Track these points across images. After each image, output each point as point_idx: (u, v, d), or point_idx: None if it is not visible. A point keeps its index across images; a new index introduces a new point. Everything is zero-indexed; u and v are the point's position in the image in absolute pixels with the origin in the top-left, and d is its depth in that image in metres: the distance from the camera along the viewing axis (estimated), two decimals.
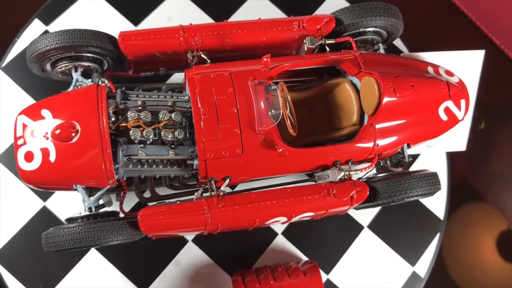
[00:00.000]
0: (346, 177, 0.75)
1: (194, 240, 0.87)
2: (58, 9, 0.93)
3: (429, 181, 0.76)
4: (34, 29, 0.92)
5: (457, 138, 0.96)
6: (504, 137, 1.14)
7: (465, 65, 0.91)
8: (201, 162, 0.71)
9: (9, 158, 0.85)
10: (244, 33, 0.77)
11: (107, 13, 0.94)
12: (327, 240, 0.91)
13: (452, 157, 0.98)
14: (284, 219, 0.75)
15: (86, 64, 0.77)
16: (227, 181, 0.72)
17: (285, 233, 0.90)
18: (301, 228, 0.90)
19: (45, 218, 0.84)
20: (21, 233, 0.83)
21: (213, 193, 0.72)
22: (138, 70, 0.81)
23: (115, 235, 0.68)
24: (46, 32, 0.91)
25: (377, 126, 0.74)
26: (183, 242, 0.86)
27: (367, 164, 0.78)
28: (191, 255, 0.86)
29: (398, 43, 0.98)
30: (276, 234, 0.89)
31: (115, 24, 0.93)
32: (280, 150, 0.71)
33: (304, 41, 0.79)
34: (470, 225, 1.06)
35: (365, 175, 0.82)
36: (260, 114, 0.71)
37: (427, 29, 1.09)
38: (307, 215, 0.75)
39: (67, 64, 0.76)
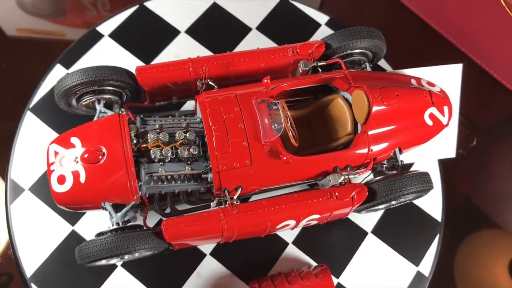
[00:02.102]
0: (346, 180, 0.83)
1: (212, 254, 0.94)
2: (77, 54, 1.05)
3: (421, 179, 0.84)
4: (57, 73, 1.02)
5: (447, 146, 1.04)
6: (491, 148, 1.22)
7: (446, 78, 1.00)
8: (215, 174, 0.79)
9: (39, 189, 0.94)
10: (246, 61, 0.88)
11: (121, 56, 1.05)
12: (335, 246, 0.98)
13: (444, 163, 1.06)
14: (293, 222, 0.82)
15: (108, 96, 0.86)
16: (239, 190, 0.80)
17: (295, 242, 0.96)
18: (310, 237, 0.97)
19: (74, 241, 0.91)
20: (53, 256, 0.90)
21: (227, 202, 0.79)
22: (153, 100, 0.90)
23: (142, 244, 0.76)
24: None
25: (370, 133, 0.83)
26: (202, 255, 0.93)
27: (364, 169, 0.86)
28: (210, 267, 0.93)
29: (382, 63, 1.09)
30: (287, 244, 0.96)
31: (129, 64, 1.03)
32: (285, 158, 0.79)
33: (299, 64, 0.89)
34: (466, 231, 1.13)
35: (363, 180, 0.90)
36: (264, 128, 0.80)
37: (408, 50, 1.20)
38: (314, 217, 0.83)
39: (91, 97, 0.85)
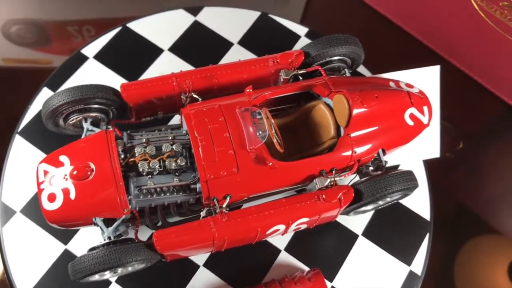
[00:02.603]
0: (332, 183, 0.85)
1: (205, 265, 0.94)
2: (63, 77, 1.06)
3: (406, 177, 0.86)
4: (44, 96, 1.04)
5: (430, 146, 1.07)
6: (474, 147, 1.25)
7: (424, 80, 1.03)
8: (203, 184, 0.80)
9: (30, 210, 0.94)
10: (228, 73, 0.90)
11: (107, 76, 1.07)
12: (327, 251, 0.99)
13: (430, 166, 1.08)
14: (283, 227, 0.84)
15: (94, 114, 0.88)
16: (228, 198, 0.82)
17: (287, 249, 0.97)
18: (302, 242, 0.98)
19: (67, 259, 0.91)
20: (47, 276, 0.90)
21: (217, 211, 0.81)
22: (139, 116, 0.92)
23: (134, 256, 0.76)
24: None
25: (352, 135, 0.85)
26: (195, 267, 0.94)
27: (349, 171, 0.88)
28: (204, 278, 0.93)
29: (362, 69, 1.12)
30: (279, 251, 0.97)
31: (115, 84, 1.05)
32: (270, 164, 0.81)
33: (280, 73, 0.92)
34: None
35: (349, 182, 0.92)
36: (249, 135, 0.81)
37: (387, 56, 1.23)
38: (303, 221, 0.84)
39: (77, 116, 0.87)
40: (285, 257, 0.97)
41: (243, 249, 0.92)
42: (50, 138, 0.96)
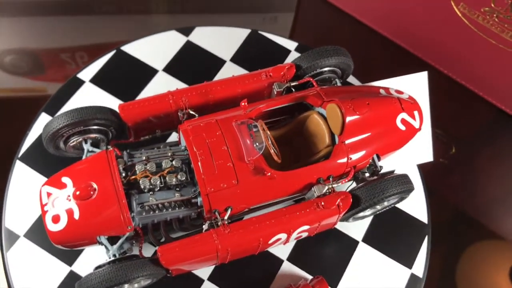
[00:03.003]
0: (330, 190, 0.87)
1: (209, 279, 0.95)
2: (61, 102, 1.08)
3: (401, 180, 0.88)
4: (42, 121, 1.05)
5: (423, 151, 1.09)
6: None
7: (413, 87, 1.06)
8: (204, 197, 0.82)
9: (34, 234, 0.95)
10: (222, 88, 0.92)
11: (104, 99, 1.09)
12: (329, 258, 1.00)
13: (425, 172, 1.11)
14: (284, 236, 0.85)
15: (94, 135, 0.90)
16: (229, 210, 0.83)
17: (290, 259, 0.99)
18: (303, 252, 0.99)
19: (73, 281, 0.91)
20: None
21: (219, 223, 0.82)
22: (138, 135, 0.94)
23: (140, 271, 0.78)
24: None
25: (347, 142, 0.88)
26: (200, 281, 0.95)
27: (346, 177, 0.90)
28: None
29: (352, 79, 1.15)
30: (282, 261, 0.98)
31: (112, 106, 1.06)
32: (269, 174, 0.83)
33: (273, 86, 0.94)
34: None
35: (347, 189, 0.93)
36: (246, 147, 0.83)
37: (376, 67, 1.27)
38: (303, 229, 0.86)
39: (77, 138, 0.89)
40: (288, 267, 0.98)
41: (246, 261, 0.93)
42: (50, 162, 0.97)
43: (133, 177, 0.83)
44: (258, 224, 0.83)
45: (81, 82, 1.11)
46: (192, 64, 1.15)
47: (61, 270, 0.93)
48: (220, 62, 1.17)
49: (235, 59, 1.17)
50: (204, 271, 0.95)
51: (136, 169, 0.83)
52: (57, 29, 1.33)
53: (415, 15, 1.27)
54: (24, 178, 1.00)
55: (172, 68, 1.14)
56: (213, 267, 0.96)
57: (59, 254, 0.94)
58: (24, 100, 1.25)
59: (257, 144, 0.84)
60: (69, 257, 0.94)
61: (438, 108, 1.09)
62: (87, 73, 1.12)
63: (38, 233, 0.95)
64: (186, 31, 1.19)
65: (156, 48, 1.16)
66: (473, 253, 1.12)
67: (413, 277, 1.00)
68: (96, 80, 1.11)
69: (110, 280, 0.76)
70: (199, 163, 0.82)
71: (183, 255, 0.80)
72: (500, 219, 1.17)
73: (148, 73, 1.13)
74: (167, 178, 0.83)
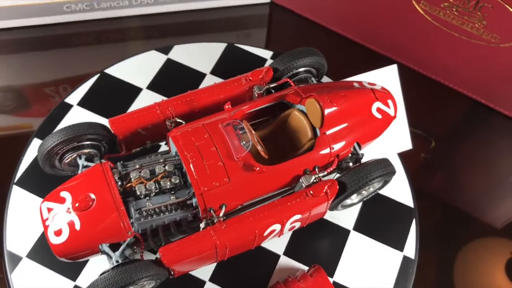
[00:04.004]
0: (317, 179, 0.92)
1: (210, 279, 0.98)
2: (51, 126, 1.12)
3: (383, 163, 0.93)
4: (35, 146, 1.09)
5: (402, 140, 1.15)
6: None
7: (384, 80, 1.12)
8: (198, 197, 0.86)
9: (36, 254, 0.98)
10: (206, 95, 0.97)
11: (92, 120, 1.13)
12: (324, 249, 1.04)
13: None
14: (278, 226, 0.89)
15: (87, 151, 0.94)
16: (223, 208, 0.87)
17: (286, 253, 1.02)
18: (298, 245, 1.03)
19: None
20: None
21: (215, 220, 0.86)
22: (129, 148, 0.98)
23: (144, 272, 0.81)
24: None
25: (328, 133, 0.93)
26: (202, 283, 0.98)
27: (330, 167, 0.94)
28: None
29: (326, 80, 1.21)
30: (279, 256, 1.02)
31: None
32: (257, 168, 0.87)
33: (253, 89, 1.00)
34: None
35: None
36: (234, 146, 0.88)
37: (348, 68, 1.31)
38: (296, 218, 0.90)
39: (72, 154, 0.93)
40: (285, 261, 1.02)
41: (244, 260, 0.97)
42: (46, 183, 0.99)
43: (128, 184, 0.87)
44: (252, 217, 0.87)
45: (69, 106, 1.15)
46: (174, 79, 1.21)
47: (66, 286, 0.96)
48: (200, 76, 1.22)
49: (215, 72, 1.23)
50: (205, 273, 0.99)
51: (131, 176, 0.87)
52: (38, 64, 1.36)
53: (381, 17, 1.34)
54: (21, 201, 1.03)
55: (155, 85, 1.19)
56: (213, 268, 0.99)
57: (62, 270, 0.96)
58: (11, 138, 1.25)
59: (244, 142, 0.89)
60: (73, 272, 0.96)
61: (413, 104, 1.15)
62: (74, 97, 1.16)
63: (40, 253, 0.97)
64: (165, 50, 1.25)
65: (138, 68, 1.21)
66: (467, 255, 1.15)
67: (405, 259, 1.04)
68: (84, 102, 1.16)
69: (115, 283, 0.79)
70: (191, 165, 0.86)
71: (183, 253, 0.83)
72: (490, 212, 1.21)
73: (132, 91, 1.18)
74: (161, 182, 0.87)
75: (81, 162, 0.93)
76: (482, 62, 1.28)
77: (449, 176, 1.26)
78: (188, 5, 1.41)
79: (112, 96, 1.17)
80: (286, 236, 1.03)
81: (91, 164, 0.92)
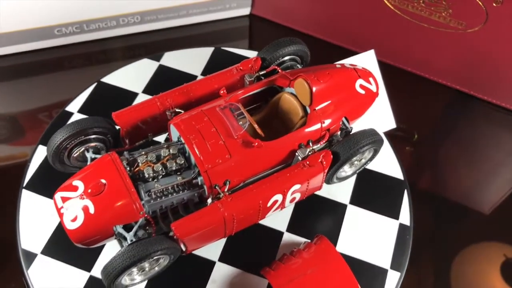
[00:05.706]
0: (311, 152, 0.98)
1: (220, 259, 1.03)
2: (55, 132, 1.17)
3: (370, 132, 1.01)
4: (40, 153, 1.14)
5: (385, 119, 1.23)
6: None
7: (363, 64, 1.21)
8: (203, 174, 0.91)
9: (50, 249, 1.01)
10: (201, 86, 1.05)
11: None
12: (324, 224, 1.09)
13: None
14: (280, 197, 0.95)
15: (94, 144, 0.99)
16: (228, 184, 0.93)
17: (289, 229, 1.08)
18: (300, 222, 1.09)
19: (93, 285, 0.98)
20: None
21: (221, 195, 0.91)
22: (132, 142, 1.03)
23: (159, 245, 0.85)
24: None
25: (317, 108, 1.00)
26: (212, 264, 1.02)
27: (323, 140, 1.01)
28: (222, 271, 1.01)
29: None
30: (282, 233, 1.07)
31: None
32: (256, 144, 0.94)
33: (245, 77, 1.07)
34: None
35: None
36: (232, 125, 0.94)
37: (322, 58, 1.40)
38: (295, 188, 0.96)
39: (80, 148, 0.98)
40: (288, 237, 1.07)
41: (250, 239, 1.03)
42: (54, 184, 1.04)
43: (136, 169, 0.92)
44: (256, 189, 0.93)
45: (70, 114, 1.21)
46: (168, 83, 1.26)
47: (81, 277, 0.99)
48: (192, 78, 1.29)
49: (205, 73, 1.30)
50: (214, 254, 1.03)
51: (139, 161, 0.93)
52: (31, 90, 1.40)
53: (353, 17, 1.43)
54: (31, 203, 1.07)
55: (150, 89, 1.26)
56: (221, 248, 1.04)
57: (76, 263, 1.00)
58: (7, 168, 1.25)
59: (241, 122, 0.95)
60: (87, 264, 1.00)
61: (395, 99, 1.22)
62: (74, 106, 1.22)
63: (53, 248, 1.01)
64: (157, 57, 1.33)
65: (132, 75, 1.28)
66: (462, 260, 1.18)
67: (401, 226, 1.10)
68: (84, 109, 1.21)
69: (133, 256, 0.84)
70: (194, 146, 0.92)
71: (194, 226, 0.88)
72: (483, 201, 1.26)
73: (129, 96, 1.24)
74: (167, 164, 0.93)
75: (89, 155, 0.98)
76: (452, 49, 1.37)
77: (437, 170, 1.31)
78: (172, 22, 1.50)
79: (110, 101, 1.23)
80: (288, 212, 1.09)
81: (99, 156, 0.98)
